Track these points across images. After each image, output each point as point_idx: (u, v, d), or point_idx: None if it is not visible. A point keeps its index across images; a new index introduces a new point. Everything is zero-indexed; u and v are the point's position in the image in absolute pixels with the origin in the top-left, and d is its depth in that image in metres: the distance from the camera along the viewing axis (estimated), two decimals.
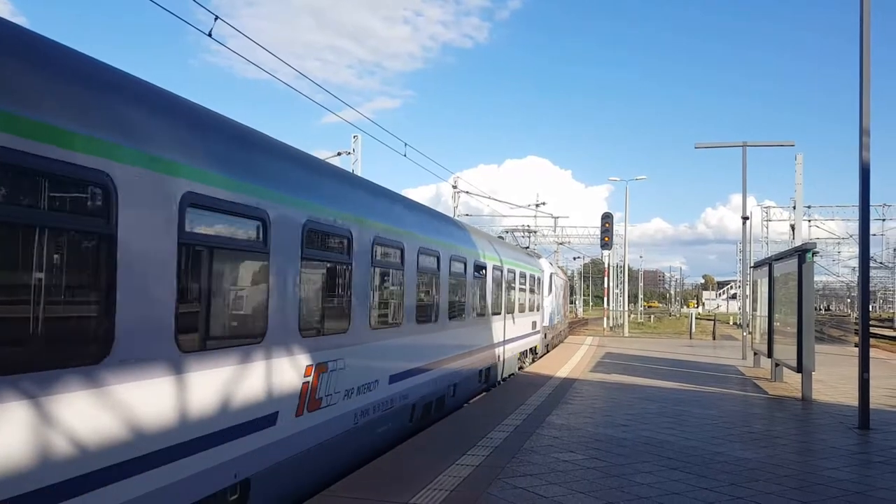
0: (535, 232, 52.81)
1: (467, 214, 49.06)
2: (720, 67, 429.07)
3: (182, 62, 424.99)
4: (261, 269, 6.97)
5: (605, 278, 58.89)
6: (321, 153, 27.51)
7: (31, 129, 4.34)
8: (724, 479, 8.45)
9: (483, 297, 16.60)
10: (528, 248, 32.93)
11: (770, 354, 19.01)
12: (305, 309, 7.84)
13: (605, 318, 52.96)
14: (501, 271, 18.63)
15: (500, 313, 18.38)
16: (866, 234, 12.62)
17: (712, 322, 49.00)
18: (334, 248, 8.71)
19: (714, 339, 40.57)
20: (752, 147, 27.88)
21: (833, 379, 18.65)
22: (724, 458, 9.55)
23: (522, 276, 21.99)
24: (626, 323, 48.84)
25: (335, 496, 7.46)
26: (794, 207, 41.90)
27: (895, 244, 73.93)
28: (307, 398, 7.85)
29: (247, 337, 6.77)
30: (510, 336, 19.77)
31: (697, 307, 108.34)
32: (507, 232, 43.58)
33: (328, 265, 8.67)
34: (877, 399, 13.58)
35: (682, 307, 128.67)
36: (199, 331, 6.10)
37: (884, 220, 56.54)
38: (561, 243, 64.46)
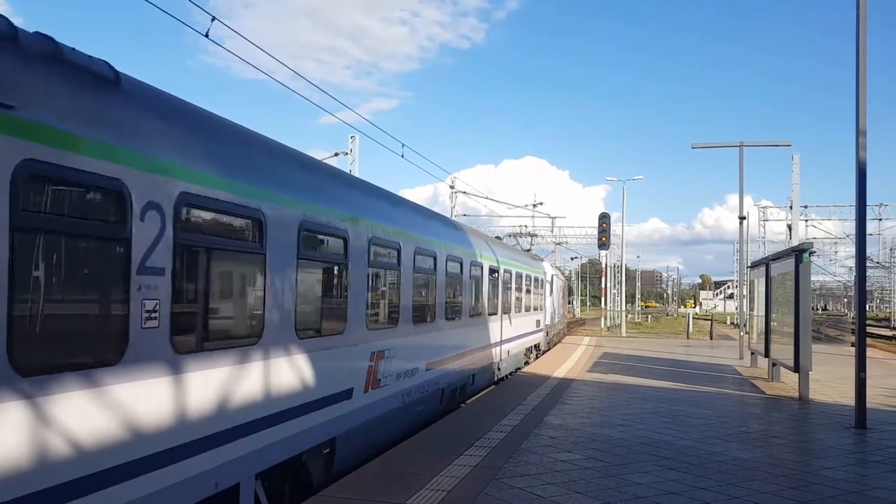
0: (537, 235, 53.16)
1: (465, 214, 49.11)
2: (718, 67, 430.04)
3: (179, 63, 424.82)
4: (343, 276, 8.99)
5: (603, 278, 58.99)
6: (318, 154, 27.48)
7: (235, 188, 6.61)
8: (720, 478, 8.47)
9: (496, 297, 18.27)
10: (529, 250, 33.59)
11: (767, 354, 19.03)
12: (370, 307, 9.75)
13: (602, 319, 53.02)
14: (511, 274, 20.29)
15: (509, 312, 19.94)
16: (863, 233, 12.66)
17: (709, 322, 49.06)
18: (388, 257, 10.65)
19: (711, 338, 40.61)
20: (748, 147, 27.97)
21: (830, 378, 18.68)
22: (720, 457, 9.57)
23: (528, 278, 23.56)
24: (624, 323, 48.92)
25: (334, 497, 7.46)
26: (791, 207, 41.96)
27: (892, 244, 74.10)
28: (371, 379, 9.79)
29: (334, 329, 8.74)
30: (518, 333, 21.45)
31: (695, 307, 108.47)
32: (509, 235, 43.78)
33: (384, 271, 10.58)
34: (873, 398, 13.61)
35: (679, 307, 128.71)
36: (308, 323, 8.06)
37: (880, 219, 56.66)
38: (558, 243, 64.48)
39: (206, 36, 10.10)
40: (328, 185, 9.02)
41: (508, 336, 19.80)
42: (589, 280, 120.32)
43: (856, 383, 11.98)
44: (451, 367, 13.95)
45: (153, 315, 5.44)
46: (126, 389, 5.16)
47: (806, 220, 53.95)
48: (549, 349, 28.46)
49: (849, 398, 13.27)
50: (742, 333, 26.86)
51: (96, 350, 5.02)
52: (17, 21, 4.81)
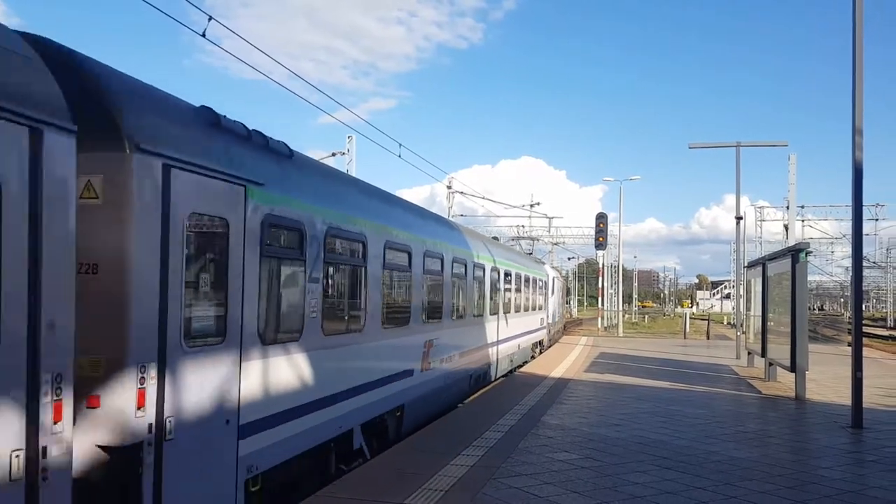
0: (538, 239, 53.74)
1: (462, 215, 49.08)
2: (715, 67, 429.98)
3: (176, 63, 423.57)
4: (408, 281, 11.65)
5: (600, 278, 59.02)
6: (316, 154, 27.45)
7: (351, 220, 9.35)
8: (717, 478, 8.48)
9: (509, 298, 20.97)
10: (530, 253, 35.87)
11: (764, 354, 19.06)
12: (425, 303, 12.46)
13: (599, 318, 53.06)
14: (521, 278, 23.25)
15: (519, 311, 22.92)
16: (859, 233, 12.66)
17: (706, 322, 49.13)
18: (435, 266, 13.18)
19: (708, 338, 40.70)
20: (745, 147, 27.94)
21: (826, 378, 18.72)
22: (717, 457, 9.59)
23: (534, 281, 26.61)
24: (621, 323, 48.90)
25: (331, 496, 7.46)
26: (788, 207, 42.00)
27: (888, 244, 74.17)
28: (424, 361, 12.40)
29: (401, 320, 11.30)
30: (527, 329, 24.52)
31: (692, 307, 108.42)
32: (512, 239, 44.43)
33: (434, 276, 13.12)
34: (870, 398, 13.64)
35: (676, 307, 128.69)
36: (389, 317, 10.65)
37: (877, 219, 56.75)
38: (555, 243, 64.51)
39: (203, 35, 10.10)
40: (400, 214, 11.85)
41: (520, 332, 22.86)
42: (586, 280, 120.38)
43: (852, 383, 12.01)
44: (478, 356, 16.91)
45: (315, 309, 8.22)
46: (302, 356, 7.96)
47: (802, 220, 54.04)
48: (551, 345, 30.65)
49: (845, 398, 13.30)
50: (739, 333, 26.90)
51: (289, 331, 7.79)
52: (15, 22, 4.91)
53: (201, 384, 6.16)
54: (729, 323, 67.82)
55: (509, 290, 20.80)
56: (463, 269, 15.24)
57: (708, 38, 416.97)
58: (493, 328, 18.56)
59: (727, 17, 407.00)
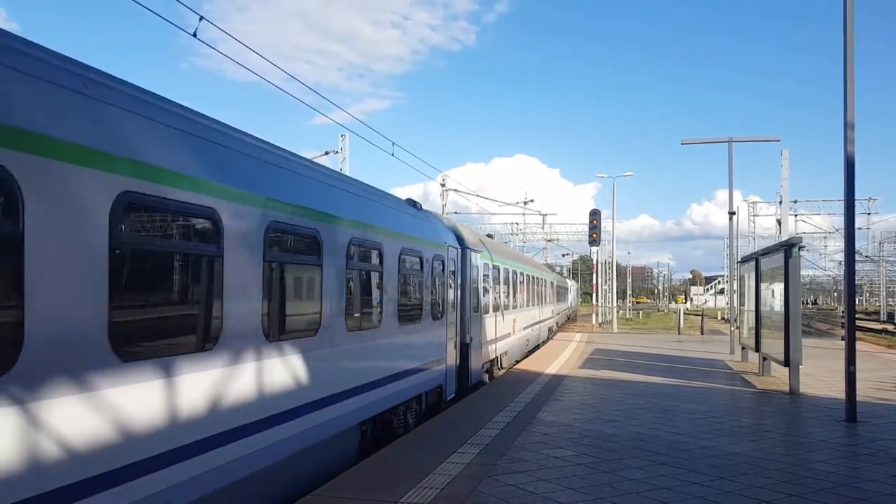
0: (563, 266, 59.35)
1: (456, 212, 49.11)
2: (707, 64, 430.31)
3: (172, 65, 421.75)
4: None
5: (594, 275, 59.09)
6: (309, 153, 27.45)
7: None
8: (713, 473, 8.50)
9: (562, 295, 48.61)
10: (554, 270, 56.58)
11: (758, 349, 19.12)
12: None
13: (593, 315, 53.13)
14: (559, 286, 46.61)
15: (562, 301, 43.83)
16: (852, 228, 12.69)
17: (700, 317, 49.23)
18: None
19: (702, 333, 40.75)
20: (738, 143, 27.96)
21: (820, 372, 18.78)
22: (712, 452, 9.61)
23: (564, 287, 49.62)
24: (615, 319, 48.98)
25: (328, 496, 7.44)
26: (781, 202, 42.09)
27: (881, 238, 74.42)
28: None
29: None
30: (564, 308, 48.17)
31: (685, 302, 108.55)
32: (555, 268, 49.23)
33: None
34: (863, 392, 13.68)
35: (670, 303, 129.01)
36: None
37: (869, 213, 57.07)
38: (549, 240, 64.61)
39: (195, 35, 10.06)
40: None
41: (564, 308, 46.95)
42: (580, 276, 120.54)
43: (846, 377, 12.04)
44: (534, 330, 28.47)
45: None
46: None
47: (795, 215, 54.27)
48: (572, 315, 54.70)
49: (839, 392, 13.33)
50: (733, 328, 26.96)
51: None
52: (13, 27, 4.86)
53: None
54: (723, 318, 67.99)
55: (561, 292, 41.49)
56: (532, 279, 27.73)
57: (700, 34, 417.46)
58: (559, 307, 42.53)
59: (720, 13, 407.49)
